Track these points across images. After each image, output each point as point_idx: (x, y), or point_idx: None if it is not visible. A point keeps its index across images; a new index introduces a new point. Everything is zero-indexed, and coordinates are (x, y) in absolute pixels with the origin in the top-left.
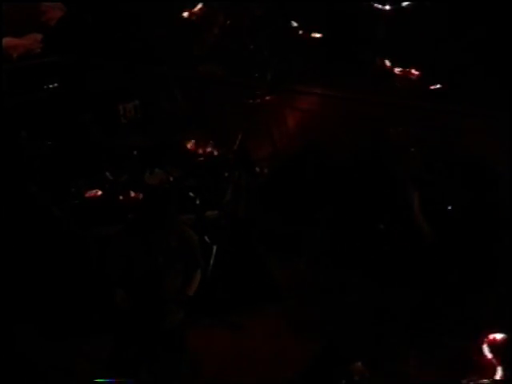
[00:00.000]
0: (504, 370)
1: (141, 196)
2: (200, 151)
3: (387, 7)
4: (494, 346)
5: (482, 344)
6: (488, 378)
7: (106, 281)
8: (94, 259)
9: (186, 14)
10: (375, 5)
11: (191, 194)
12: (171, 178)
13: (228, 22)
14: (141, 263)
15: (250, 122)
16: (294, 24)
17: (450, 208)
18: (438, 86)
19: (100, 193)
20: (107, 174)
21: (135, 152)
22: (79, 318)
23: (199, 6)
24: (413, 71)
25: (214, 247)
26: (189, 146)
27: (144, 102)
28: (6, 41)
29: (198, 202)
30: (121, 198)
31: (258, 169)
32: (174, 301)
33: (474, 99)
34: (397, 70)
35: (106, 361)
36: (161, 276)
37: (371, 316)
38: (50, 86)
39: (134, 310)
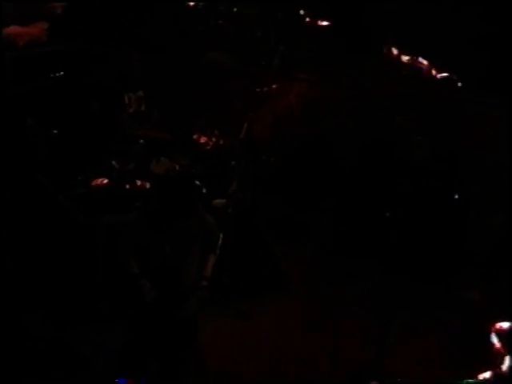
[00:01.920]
0: None
1: (147, 185)
2: (207, 140)
3: None
4: (501, 334)
5: (490, 333)
6: (496, 367)
7: (127, 272)
8: (100, 248)
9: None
10: None
11: (198, 182)
12: (177, 167)
13: (235, 9)
14: (163, 251)
15: (257, 110)
16: (301, 12)
17: (456, 197)
18: (446, 74)
19: (106, 181)
20: (113, 162)
21: (141, 141)
22: (86, 307)
23: None
24: (420, 59)
25: (221, 236)
26: (195, 134)
27: (150, 91)
28: (12, 29)
29: (204, 190)
30: (127, 186)
31: (264, 157)
32: (193, 287)
33: (482, 87)
34: (404, 58)
35: (118, 350)
36: (181, 262)
37: (378, 304)
38: (56, 74)
39: (157, 298)
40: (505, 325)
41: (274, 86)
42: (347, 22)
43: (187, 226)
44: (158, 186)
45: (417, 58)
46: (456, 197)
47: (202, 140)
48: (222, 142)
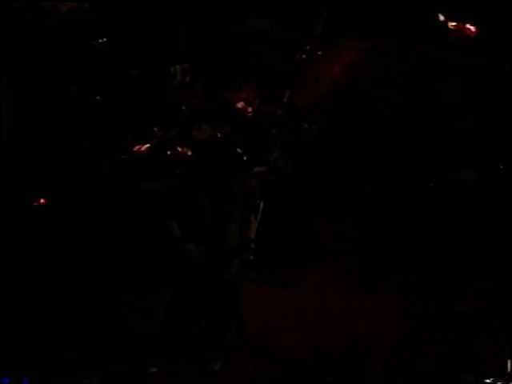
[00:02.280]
0: None
1: (189, 152)
2: (248, 107)
3: None
4: None
5: None
6: None
7: (170, 237)
8: (142, 213)
9: None
10: None
11: (239, 150)
12: (219, 134)
13: None
14: (205, 214)
15: (299, 78)
16: None
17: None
18: (494, 40)
19: (148, 147)
20: (155, 129)
21: (183, 107)
22: (128, 271)
23: None
24: (468, 26)
25: (262, 203)
26: (237, 101)
27: (195, 63)
28: None
29: (245, 158)
30: (169, 153)
31: (306, 125)
32: (237, 248)
33: None
34: (450, 24)
35: (158, 313)
36: (224, 225)
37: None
38: (99, 41)
39: (204, 261)
40: None
41: (316, 54)
42: None
43: (229, 189)
44: (200, 151)
45: (464, 24)
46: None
47: (244, 108)
48: (263, 110)
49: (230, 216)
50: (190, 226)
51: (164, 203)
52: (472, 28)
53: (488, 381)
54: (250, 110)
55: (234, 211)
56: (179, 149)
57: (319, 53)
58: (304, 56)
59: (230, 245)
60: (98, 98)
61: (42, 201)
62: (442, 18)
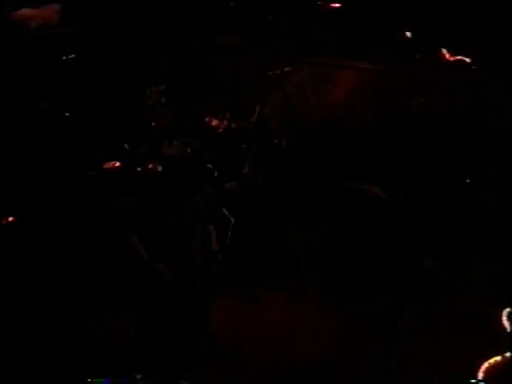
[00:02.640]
0: None
1: (159, 168)
2: (218, 123)
3: None
4: None
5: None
6: (507, 351)
7: (136, 258)
8: (113, 230)
9: None
10: None
11: (209, 165)
12: (189, 150)
13: None
14: (171, 228)
15: (269, 93)
16: None
17: (468, 181)
18: (462, 57)
19: (118, 164)
20: (125, 145)
21: (154, 123)
22: (99, 289)
23: None
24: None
25: (232, 219)
26: (207, 117)
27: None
28: (24, 12)
29: (216, 173)
30: (139, 169)
31: (276, 140)
32: (202, 260)
33: (497, 70)
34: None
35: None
36: (190, 237)
37: (387, 288)
38: (69, 57)
39: (173, 277)
40: None
41: (286, 69)
42: (362, 5)
43: (192, 202)
44: (167, 167)
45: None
46: (468, 181)
47: (214, 123)
48: (233, 125)
49: (194, 228)
50: (157, 242)
51: (125, 221)
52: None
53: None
54: (220, 125)
55: (197, 223)
56: (150, 165)
57: (288, 69)
58: (274, 71)
59: (196, 257)
60: (67, 114)
61: (10, 219)
62: (409, 34)
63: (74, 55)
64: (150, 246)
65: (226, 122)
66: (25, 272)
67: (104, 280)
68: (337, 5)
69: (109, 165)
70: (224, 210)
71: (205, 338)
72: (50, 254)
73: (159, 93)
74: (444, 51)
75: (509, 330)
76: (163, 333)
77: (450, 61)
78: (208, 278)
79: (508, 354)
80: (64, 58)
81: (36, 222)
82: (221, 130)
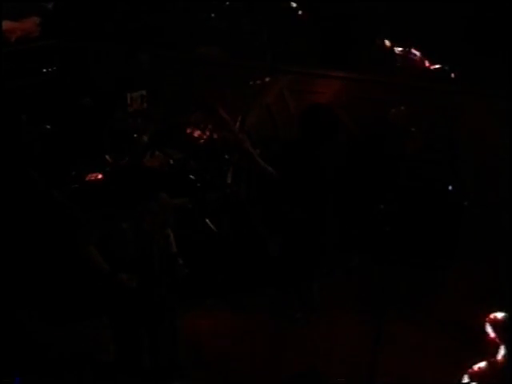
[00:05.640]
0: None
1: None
2: (200, 134)
3: None
4: (496, 324)
5: (485, 323)
6: (491, 357)
7: (98, 270)
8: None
9: None
10: None
11: (192, 176)
12: (171, 161)
13: (226, 2)
14: (129, 236)
15: (250, 104)
16: (293, 4)
17: (450, 188)
18: (439, 65)
19: (100, 176)
20: (107, 157)
21: (135, 135)
22: (80, 301)
23: None
24: (413, 51)
25: (215, 229)
26: (189, 128)
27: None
28: (4, 24)
29: (198, 184)
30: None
31: (258, 151)
32: (164, 265)
33: (475, 78)
34: (397, 49)
35: (110, 342)
36: (150, 244)
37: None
38: (49, 69)
39: (138, 286)
40: (499, 315)
41: (266, 80)
42: (338, 15)
43: (147, 209)
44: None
45: (409, 49)
46: (450, 188)
47: (196, 134)
48: (215, 136)
49: (152, 235)
50: (117, 252)
51: (80, 232)
52: (417, 53)
53: None
54: (202, 135)
55: (154, 229)
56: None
57: (268, 79)
58: (254, 82)
59: (157, 263)
60: (48, 126)
61: None
62: (388, 43)
63: (54, 68)
64: (111, 257)
65: (207, 133)
66: (5, 286)
67: (80, 292)
68: (314, 15)
69: (90, 177)
70: (207, 221)
71: (188, 348)
72: (27, 266)
73: (141, 104)
74: (423, 59)
75: (492, 336)
76: (138, 342)
77: (429, 69)
78: (173, 282)
79: (492, 360)
80: (44, 70)
81: (15, 235)
82: (202, 140)
